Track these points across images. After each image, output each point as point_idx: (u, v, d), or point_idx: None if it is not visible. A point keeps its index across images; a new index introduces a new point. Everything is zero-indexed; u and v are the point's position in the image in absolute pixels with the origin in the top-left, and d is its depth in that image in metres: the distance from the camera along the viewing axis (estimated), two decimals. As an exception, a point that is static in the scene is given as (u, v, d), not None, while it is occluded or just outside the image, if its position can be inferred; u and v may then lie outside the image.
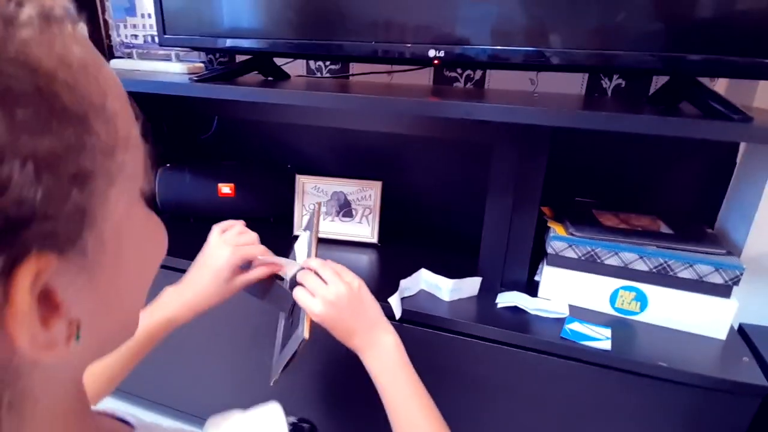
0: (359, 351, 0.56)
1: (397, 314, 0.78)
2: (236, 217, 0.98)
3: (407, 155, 1.12)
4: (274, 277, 0.67)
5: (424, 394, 0.54)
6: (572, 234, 0.80)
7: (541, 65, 0.73)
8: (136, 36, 1.09)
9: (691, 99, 0.73)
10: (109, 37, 1.17)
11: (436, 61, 0.77)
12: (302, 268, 0.61)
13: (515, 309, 0.81)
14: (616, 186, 1.01)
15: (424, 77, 1.06)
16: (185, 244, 0.89)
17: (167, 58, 1.06)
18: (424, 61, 0.79)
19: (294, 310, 0.65)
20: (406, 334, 0.81)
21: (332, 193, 1.06)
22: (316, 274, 0.58)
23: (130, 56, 1.09)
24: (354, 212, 1.06)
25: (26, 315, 0.18)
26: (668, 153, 0.96)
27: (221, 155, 1.28)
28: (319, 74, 1.15)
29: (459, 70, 1.03)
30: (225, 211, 1.09)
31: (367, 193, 1.05)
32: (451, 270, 0.93)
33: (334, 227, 1.06)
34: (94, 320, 0.22)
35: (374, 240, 1.04)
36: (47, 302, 0.19)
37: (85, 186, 0.19)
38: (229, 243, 0.63)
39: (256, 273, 0.63)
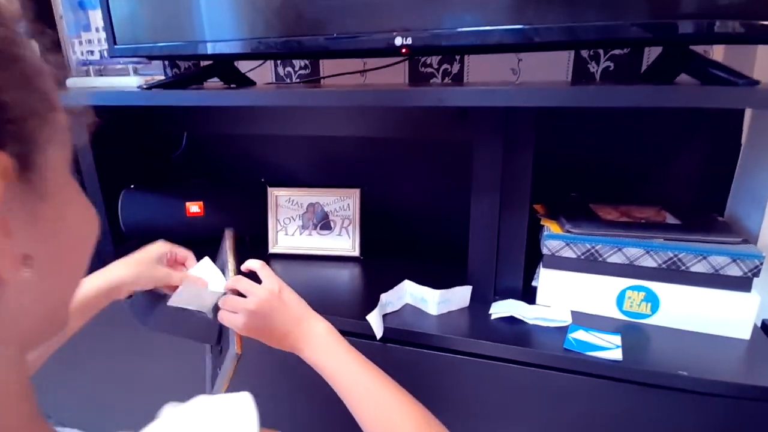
0: (297, 350, 0.55)
1: (378, 333, 0.69)
2: (208, 238, 0.91)
3: (386, 161, 1.04)
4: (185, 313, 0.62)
5: (377, 370, 0.52)
6: (568, 231, 0.72)
7: (520, 45, 0.67)
8: (92, 52, 1.02)
9: (688, 70, 0.66)
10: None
11: (404, 50, 0.70)
12: (223, 293, 0.59)
13: (511, 319, 0.72)
14: (612, 177, 0.93)
15: (398, 75, 0.99)
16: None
17: (124, 73, 0.99)
18: (391, 51, 0.72)
19: (222, 336, 0.61)
20: (390, 354, 0.72)
21: (308, 205, 0.98)
22: (234, 293, 0.58)
23: (87, 74, 1.03)
24: (332, 224, 0.98)
25: None
26: (665, 137, 0.88)
27: (193, 173, 1.21)
28: (288, 80, 1.08)
29: (435, 65, 0.97)
30: (195, 231, 1.02)
31: (345, 203, 0.97)
32: (440, 281, 0.84)
33: (311, 242, 0.98)
34: (38, 267, 0.23)
35: (356, 253, 0.96)
36: (2, 224, 0.21)
37: (39, 117, 0.23)
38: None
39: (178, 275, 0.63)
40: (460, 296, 0.75)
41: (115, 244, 1.05)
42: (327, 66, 1.04)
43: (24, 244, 0.23)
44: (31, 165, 0.23)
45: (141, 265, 0.60)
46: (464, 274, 0.80)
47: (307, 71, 1.06)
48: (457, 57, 0.95)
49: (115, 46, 0.86)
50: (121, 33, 0.85)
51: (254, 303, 0.54)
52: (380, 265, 0.94)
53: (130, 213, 1.00)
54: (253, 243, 1.04)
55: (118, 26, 0.85)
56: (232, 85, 0.93)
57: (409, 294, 0.77)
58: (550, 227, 0.74)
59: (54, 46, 0.26)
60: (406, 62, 0.97)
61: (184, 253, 0.68)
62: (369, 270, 0.92)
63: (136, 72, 0.99)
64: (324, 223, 0.98)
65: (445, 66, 0.96)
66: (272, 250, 0.98)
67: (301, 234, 0.98)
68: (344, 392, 0.50)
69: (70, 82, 1.00)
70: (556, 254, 0.73)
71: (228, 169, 1.19)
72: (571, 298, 0.75)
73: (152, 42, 0.84)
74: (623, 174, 0.93)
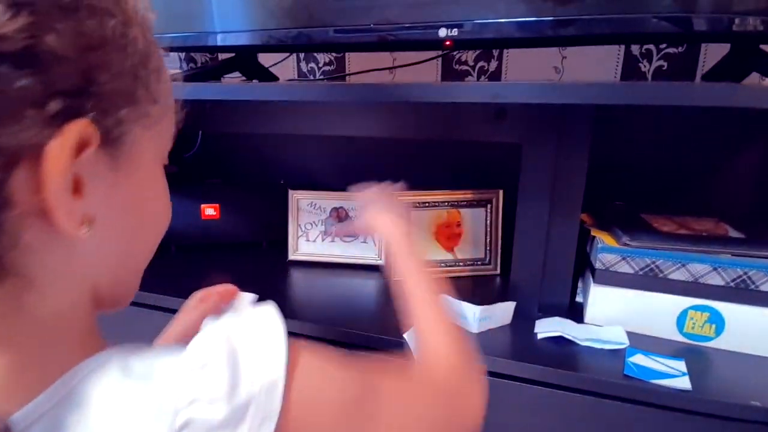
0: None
1: (415, 352, 0.63)
2: (223, 243, 0.85)
3: (418, 162, 0.98)
4: None
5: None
6: (626, 244, 0.65)
7: (575, 38, 0.60)
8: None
9: (760, 69, 0.59)
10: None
11: (448, 42, 0.64)
12: None
13: (560, 340, 0.65)
14: (659, 184, 0.87)
15: (430, 72, 0.93)
16: (167, 276, 0.76)
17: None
18: (433, 44, 0.66)
19: None
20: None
21: (331, 209, 0.92)
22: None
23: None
24: (357, 230, 0.91)
25: (62, 167, 0.22)
26: (719, 142, 0.81)
27: (208, 174, 1.15)
28: (312, 77, 1.02)
29: (471, 62, 0.90)
30: (210, 235, 0.96)
31: (371, 208, 0.91)
32: (478, 294, 0.78)
33: (333, 249, 0.91)
34: (104, 233, 0.26)
35: (381, 261, 0.89)
36: (75, 184, 0.24)
37: (133, 100, 0.26)
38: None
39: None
40: (502, 312, 0.69)
41: (125, 247, 0.99)
42: (353, 61, 0.98)
43: (95, 207, 0.25)
44: (115, 141, 0.26)
45: (190, 312, 0.55)
46: (506, 287, 0.74)
47: (332, 67, 1.00)
48: (495, 54, 0.88)
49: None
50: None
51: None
52: (408, 276, 0.87)
53: (142, 214, 0.94)
54: (271, 249, 0.98)
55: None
56: (254, 81, 0.87)
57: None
58: (604, 239, 0.68)
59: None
60: (440, 59, 0.91)
61: (219, 289, 0.59)
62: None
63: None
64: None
65: (481, 63, 0.90)
66: (292, 256, 0.92)
67: (323, 240, 0.92)
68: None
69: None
70: (611, 269, 0.66)
71: (245, 170, 1.13)
72: (626, 317, 0.68)
73: (169, 32, 0.78)
74: (672, 181, 0.86)
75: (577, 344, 0.64)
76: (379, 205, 0.58)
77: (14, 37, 0.20)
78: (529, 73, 0.87)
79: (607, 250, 0.66)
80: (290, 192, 0.92)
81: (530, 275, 0.71)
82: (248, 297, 0.59)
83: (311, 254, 0.92)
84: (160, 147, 0.30)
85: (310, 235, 0.92)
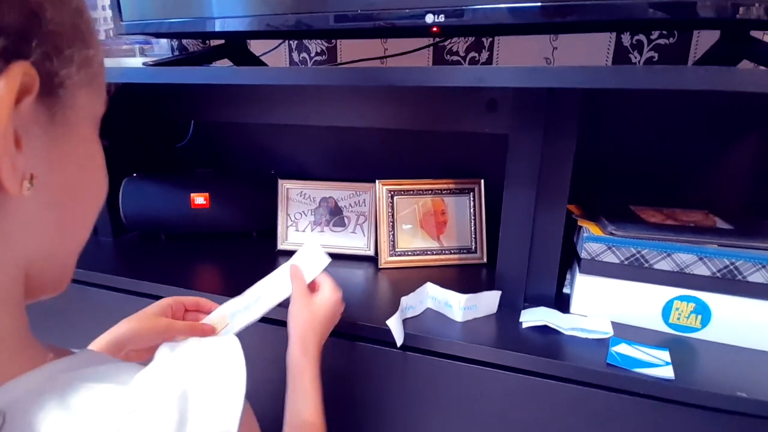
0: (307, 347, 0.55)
1: (399, 340, 0.62)
2: (213, 232, 0.85)
3: (406, 153, 0.98)
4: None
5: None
6: (612, 233, 0.65)
7: (567, 24, 0.60)
8: (97, 31, 0.97)
9: (752, 57, 0.59)
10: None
11: (434, 29, 0.63)
12: None
13: (545, 329, 0.65)
14: (650, 177, 0.86)
15: (422, 61, 0.92)
16: (156, 265, 0.75)
17: (131, 54, 0.93)
18: (420, 30, 0.66)
19: None
20: (409, 363, 0.65)
21: (320, 199, 0.92)
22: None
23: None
24: (346, 220, 0.91)
25: (5, 112, 0.21)
26: (710, 134, 0.81)
27: (200, 164, 1.15)
28: (303, 65, 1.02)
29: (462, 53, 0.90)
30: (200, 224, 0.95)
31: (360, 198, 0.90)
32: (464, 283, 0.78)
33: (323, 239, 0.91)
34: (41, 196, 0.25)
35: (371, 252, 0.89)
36: (15, 136, 0.22)
37: (72, 47, 0.25)
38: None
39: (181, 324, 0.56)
40: (487, 302, 0.68)
41: (115, 235, 0.99)
42: (345, 51, 0.97)
43: (33, 164, 0.23)
44: (55, 92, 0.24)
45: (142, 321, 0.53)
46: (492, 276, 0.73)
47: (324, 57, 1.00)
48: (486, 44, 0.88)
49: (122, 22, 0.80)
50: (128, 8, 0.80)
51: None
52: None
53: (131, 203, 0.94)
54: (260, 238, 0.98)
55: (124, 1, 0.79)
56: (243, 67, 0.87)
57: (432, 298, 0.70)
58: (590, 229, 0.67)
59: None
60: (431, 48, 0.91)
61: (191, 300, 0.60)
62: (385, 269, 0.85)
63: (142, 53, 0.93)
64: (337, 219, 0.91)
65: (472, 54, 0.89)
66: (281, 246, 0.92)
67: (312, 230, 0.92)
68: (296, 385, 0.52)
69: (74, 62, 0.95)
70: (597, 258, 0.66)
71: (237, 160, 1.13)
72: (611, 307, 0.67)
73: (161, 18, 0.78)
74: (663, 174, 0.85)
75: (562, 333, 0.64)
76: (307, 301, 0.58)
77: None
78: (521, 61, 0.87)
79: (592, 239, 0.65)
80: (280, 181, 0.92)
81: (516, 265, 0.71)
82: (216, 319, 0.59)
83: (300, 244, 0.91)
84: (95, 107, 0.29)
85: (300, 224, 0.92)
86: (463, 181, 0.88)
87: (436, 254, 0.87)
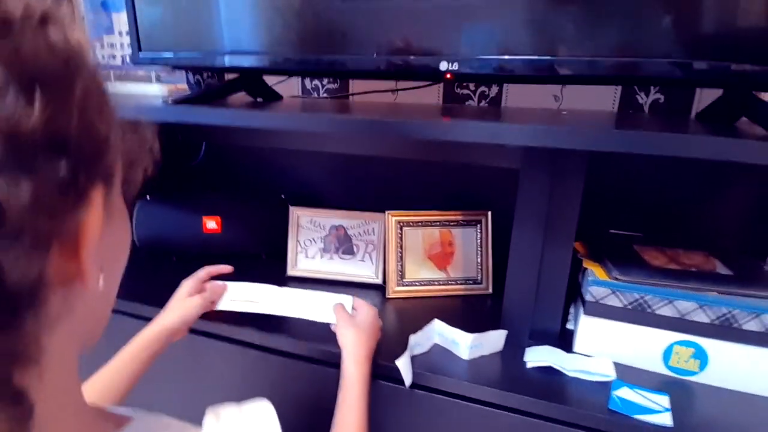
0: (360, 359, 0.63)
1: (407, 381, 0.65)
2: (224, 254, 0.90)
3: (415, 183, 1.00)
4: None
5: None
6: (616, 278, 0.67)
7: (573, 77, 0.62)
8: (114, 56, 0.99)
9: (750, 115, 0.61)
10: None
11: (448, 75, 0.65)
12: None
13: (549, 369, 0.67)
14: (652, 214, 0.88)
15: (432, 95, 0.94)
16: (166, 287, 0.77)
17: (146, 79, 0.95)
18: (434, 76, 0.67)
19: None
20: (416, 401, 0.67)
21: (330, 227, 0.94)
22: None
23: (107, 78, 0.99)
24: (355, 249, 0.93)
25: (97, 234, 0.24)
26: (711, 175, 0.83)
27: (210, 184, 1.17)
28: (315, 94, 1.04)
29: (472, 87, 0.92)
30: (211, 246, 0.98)
31: (369, 227, 0.92)
32: (470, 317, 0.80)
33: (332, 266, 0.93)
34: (105, 277, 0.26)
35: (378, 280, 0.91)
36: None
37: (117, 149, 0.27)
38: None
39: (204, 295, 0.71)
40: (494, 340, 0.70)
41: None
42: (357, 82, 0.99)
43: (99, 257, 0.25)
44: (109, 189, 0.26)
45: (180, 308, 0.67)
46: (498, 311, 0.75)
47: (336, 86, 1.01)
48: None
49: (140, 53, 0.82)
50: (146, 40, 0.81)
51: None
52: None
53: (144, 226, 0.96)
54: (270, 261, 0.99)
55: (144, 32, 0.81)
56: (258, 99, 0.89)
57: (439, 334, 0.72)
58: (595, 271, 0.69)
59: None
60: (441, 84, 0.93)
61: (204, 273, 0.74)
62: (392, 299, 0.87)
63: (158, 79, 0.95)
64: (346, 248, 0.93)
65: (482, 89, 0.91)
66: (291, 272, 0.94)
67: (321, 257, 0.94)
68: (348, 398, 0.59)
69: (90, 86, 0.97)
70: (601, 302, 0.68)
71: (248, 181, 1.15)
72: (613, 348, 0.69)
73: (178, 51, 0.80)
74: (666, 211, 0.87)
75: (565, 375, 0.66)
76: (351, 321, 0.67)
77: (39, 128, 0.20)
78: (530, 99, 0.89)
79: (597, 283, 0.67)
80: (291, 209, 0.94)
81: (522, 301, 0.73)
82: (237, 287, 0.76)
83: (310, 270, 0.94)
84: (119, 178, 0.30)
85: (310, 251, 0.94)
86: (470, 213, 0.90)
87: (443, 284, 0.90)
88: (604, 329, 0.69)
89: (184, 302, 0.68)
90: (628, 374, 0.67)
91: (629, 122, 0.71)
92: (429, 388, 0.66)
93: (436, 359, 0.70)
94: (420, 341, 0.70)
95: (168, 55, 0.80)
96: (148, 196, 0.99)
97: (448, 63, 0.65)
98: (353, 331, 0.65)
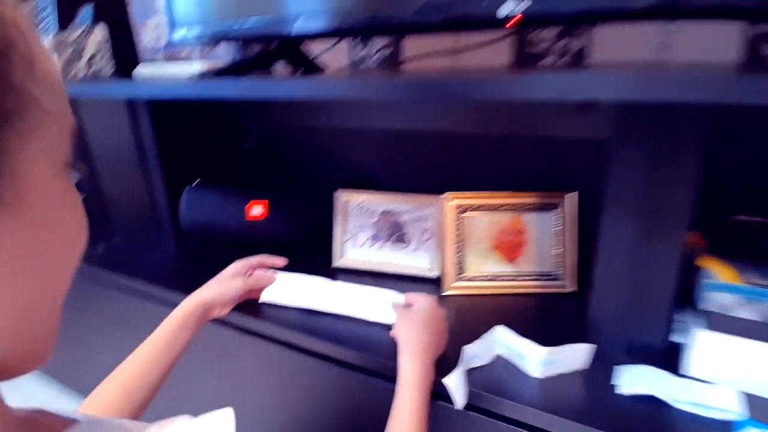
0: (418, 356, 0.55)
1: (459, 402, 0.53)
2: (269, 242, 0.88)
3: (479, 162, 0.85)
4: None
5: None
6: (753, 282, 0.49)
7: (695, 9, 0.45)
8: (159, 39, 0.95)
9: None
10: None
11: (511, 23, 0.51)
12: None
13: (649, 398, 0.51)
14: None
15: (499, 55, 0.79)
16: (211, 274, 0.72)
17: (189, 58, 0.90)
18: (493, 23, 0.53)
19: None
20: (471, 428, 0.55)
21: (381, 212, 0.83)
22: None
23: (154, 60, 0.96)
24: (408, 237, 0.82)
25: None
26: None
27: (260, 169, 1.12)
28: (366, 63, 0.93)
29: (549, 41, 0.75)
30: (255, 234, 0.92)
31: (425, 213, 0.80)
32: (544, 323, 0.65)
33: (382, 256, 0.83)
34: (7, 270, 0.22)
35: (433, 274, 0.79)
36: None
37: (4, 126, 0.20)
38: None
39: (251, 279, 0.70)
40: (575, 356, 0.56)
41: (177, 242, 0.98)
42: (410, 45, 0.86)
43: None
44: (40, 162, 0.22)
45: (221, 283, 0.66)
46: (581, 315, 0.60)
47: (388, 52, 0.90)
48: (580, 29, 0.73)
49: (174, 32, 0.76)
50: (181, 15, 0.76)
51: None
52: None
53: (190, 213, 0.92)
54: (317, 250, 0.91)
55: (178, 10, 0.75)
56: (300, 69, 0.80)
57: (502, 344, 0.59)
58: (718, 272, 0.52)
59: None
60: (511, 39, 0.77)
61: (256, 260, 0.73)
62: (449, 296, 0.75)
63: (203, 57, 0.89)
64: (399, 235, 0.82)
65: (562, 42, 0.74)
66: (337, 263, 0.85)
67: (371, 246, 0.84)
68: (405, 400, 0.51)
69: (138, 70, 0.94)
70: (726, 312, 0.50)
71: (298, 166, 1.08)
72: (741, 375, 0.52)
73: (213, 22, 0.73)
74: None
75: (673, 408, 0.50)
76: (404, 312, 0.61)
77: None
78: (625, 51, 0.71)
79: (722, 288, 0.50)
80: (337, 192, 0.84)
81: (615, 305, 0.57)
82: (284, 279, 0.73)
83: (357, 261, 0.84)
84: (55, 154, 0.24)
85: (358, 239, 0.85)
86: (547, 195, 0.75)
87: (511, 280, 0.75)
88: (730, 348, 0.51)
89: (226, 280, 0.67)
90: (760, 411, 0.49)
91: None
92: (487, 411, 0.54)
93: (498, 375, 0.57)
94: (478, 352, 0.57)
95: (202, 28, 0.74)
96: (196, 182, 0.95)
97: (515, 2, 0.50)
98: (406, 321, 0.59)
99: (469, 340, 0.57)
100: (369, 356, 0.62)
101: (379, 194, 0.83)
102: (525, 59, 0.78)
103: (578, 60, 0.75)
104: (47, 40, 0.84)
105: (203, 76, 0.67)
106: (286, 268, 0.75)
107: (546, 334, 0.57)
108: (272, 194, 0.92)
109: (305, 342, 0.67)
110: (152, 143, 0.92)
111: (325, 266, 0.84)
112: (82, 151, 1.06)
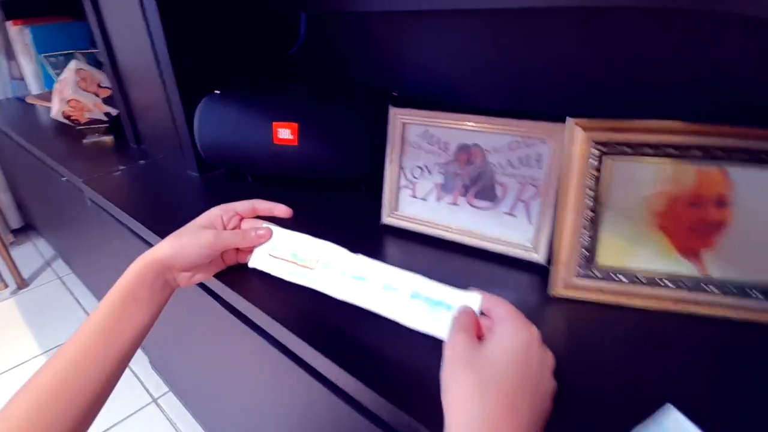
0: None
1: None
2: (303, 177, 0.67)
3: (634, 67, 0.48)
4: None
5: None
6: None
7: None
8: None
9: None
10: None
11: None
12: None
13: None
14: None
15: None
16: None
17: None
18: None
19: None
20: None
21: (457, 147, 0.51)
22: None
23: None
24: (500, 191, 0.49)
25: None
26: None
27: (305, 75, 0.85)
28: None
29: None
30: (284, 164, 0.68)
31: (532, 151, 0.47)
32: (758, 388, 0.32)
33: (454, 218, 0.52)
34: None
35: (538, 256, 0.47)
36: None
37: None
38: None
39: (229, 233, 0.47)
40: None
41: (200, 170, 0.77)
42: None
43: None
44: None
45: (182, 237, 0.45)
46: None
47: None
48: None
49: None
50: None
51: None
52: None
53: (207, 133, 0.69)
54: (369, 200, 0.63)
55: None
56: None
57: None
58: None
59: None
60: None
61: (246, 206, 0.49)
62: (562, 301, 0.43)
63: None
64: (483, 187, 0.50)
65: None
66: (386, 219, 0.56)
67: (438, 200, 0.53)
68: None
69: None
70: None
71: (357, 73, 0.79)
72: None
73: None
74: None
75: None
76: (488, 353, 0.31)
77: None
78: None
79: None
80: (392, 111, 0.54)
81: None
82: (287, 238, 0.47)
83: (416, 219, 0.54)
84: None
85: (419, 188, 0.54)
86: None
87: (690, 290, 0.41)
88: None
89: (191, 232, 0.45)
90: None
91: None
92: None
93: None
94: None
95: None
96: (216, 91, 0.70)
97: None
98: (468, 353, 0.32)
99: (598, 405, 0.26)
100: (394, 408, 0.34)
101: (457, 117, 0.50)
102: None
103: None
104: None
105: None
106: (304, 221, 0.49)
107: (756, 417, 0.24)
108: (309, 112, 0.65)
109: (305, 353, 0.41)
110: (162, 40, 0.68)
111: (369, 222, 0.56)
112: (110, 59, 0.88)
